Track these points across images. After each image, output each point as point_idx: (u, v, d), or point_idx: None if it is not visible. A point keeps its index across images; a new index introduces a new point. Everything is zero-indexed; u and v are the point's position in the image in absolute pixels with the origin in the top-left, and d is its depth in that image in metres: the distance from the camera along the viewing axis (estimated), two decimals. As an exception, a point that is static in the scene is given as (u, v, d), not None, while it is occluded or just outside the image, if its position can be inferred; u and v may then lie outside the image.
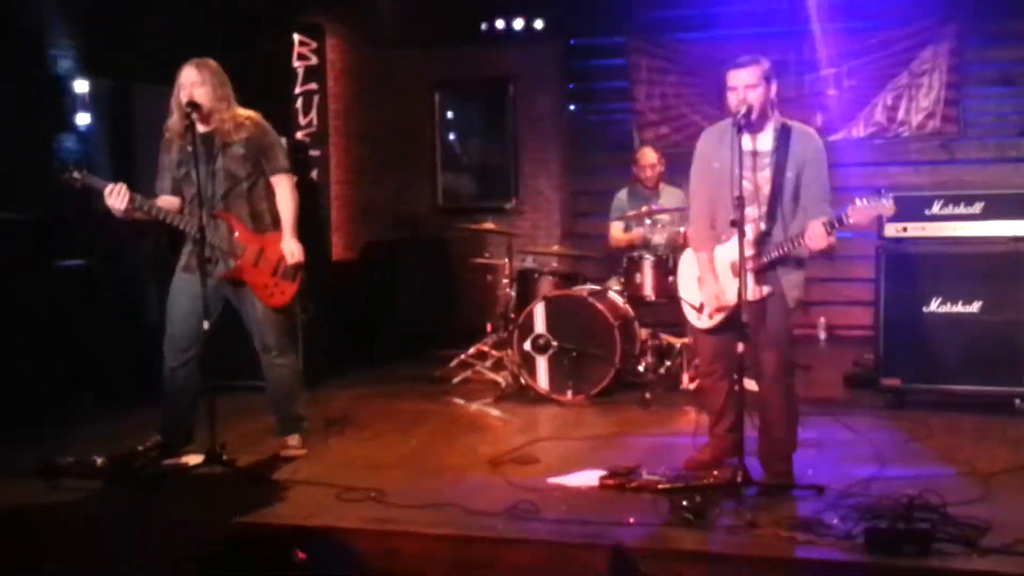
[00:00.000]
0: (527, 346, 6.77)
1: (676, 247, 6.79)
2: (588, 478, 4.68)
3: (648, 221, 7.16)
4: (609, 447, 5.44)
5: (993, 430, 5.57)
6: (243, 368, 5.75)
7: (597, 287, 7.10)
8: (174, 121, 5.03)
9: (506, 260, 7.46)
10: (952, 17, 8.95)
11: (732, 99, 4.53)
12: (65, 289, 6.79)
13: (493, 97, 10.20)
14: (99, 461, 5.01)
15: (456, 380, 7.36)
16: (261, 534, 4.11)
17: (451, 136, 10.42)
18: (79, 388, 6.62)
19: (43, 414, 6.19)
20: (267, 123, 5.20)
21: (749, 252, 4.45)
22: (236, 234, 5.05)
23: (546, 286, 7.19)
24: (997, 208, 6.03)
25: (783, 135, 4.56)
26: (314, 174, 9.83)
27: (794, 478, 4.56)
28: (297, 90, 9.91)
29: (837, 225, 4.31)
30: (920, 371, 6.09)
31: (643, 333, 6.95)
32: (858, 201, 4.29)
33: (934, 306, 6.06)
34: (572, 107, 10.27)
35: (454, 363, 7.60)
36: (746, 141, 4.47)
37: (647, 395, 6.48)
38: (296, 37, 9.90)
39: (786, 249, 4.46)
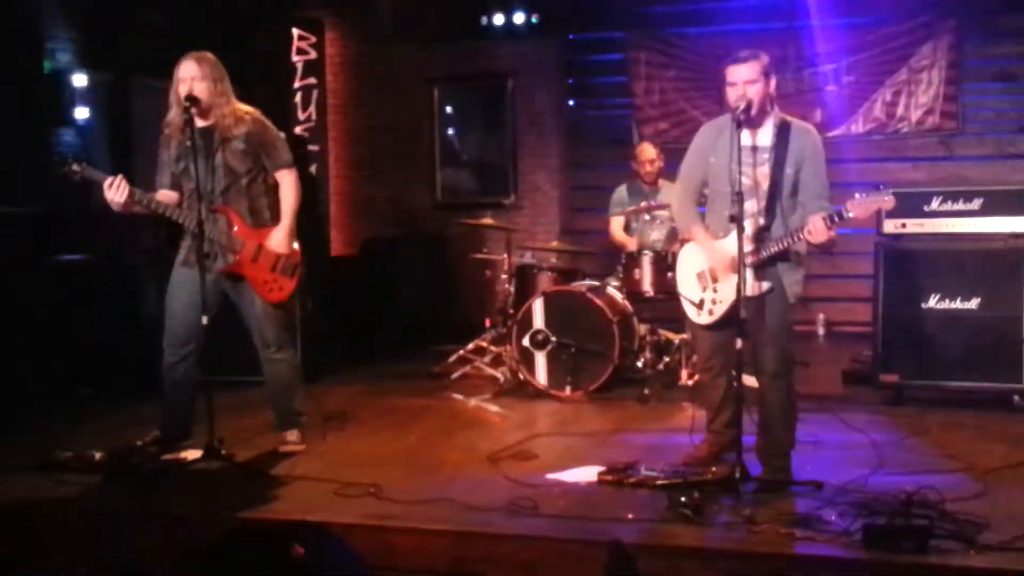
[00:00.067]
0: (526, 342, 6.77)
1: (675, 243, 6.78)
2: (586, 474, 4.69)
3: (647, 217, 7.16)
4: (607, 443, 5.45)
5: (991, 426, 5.58)
6: (242, 363, 5.76)
7: (596, 283, 7.10)
8: (173, 116, 5.02)
9: (505, 256, 7.46)
10: (951, 13, 8.95)
11: (731, 94, 4.52)
12: (64, 284, 6.80)
13: (492, 92, 10.18)
14: (98, 456, 5.02)
15: (455, 376, 7.36)
16: (259, 529, 4.11)
17: (450, 131, 10.40)
18: (78, 383, 6.63)
19: (42, 409, 6.19)
20: (267, 119, 5.19)
21: (748, 247, 4.45)
22: (235, 229, 5.04)
23: (545, 282, 7.18)
24: (996, 204, 6.03)
25: (782, 131, 4.56)
26: (313, 169, 9.84)
27: (792, 474, 4.56)
28: (296, 85, 9.92)
29: (837, 220, 4.31)
30: (918, 367, 6.09)
31: (642, 329, 6.95)
32: (858, 196, 4.29)
33: (933, 302, 6.06)
34: (571, 102, 10.26)
35: (453, 359, 7.60)
36: (745, 136, 4.47)
37: (645, 391, 6.49)
38: (295, 32, 9.91)
39: (786, 244, 4.46)
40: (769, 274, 4.56)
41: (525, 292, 7.15)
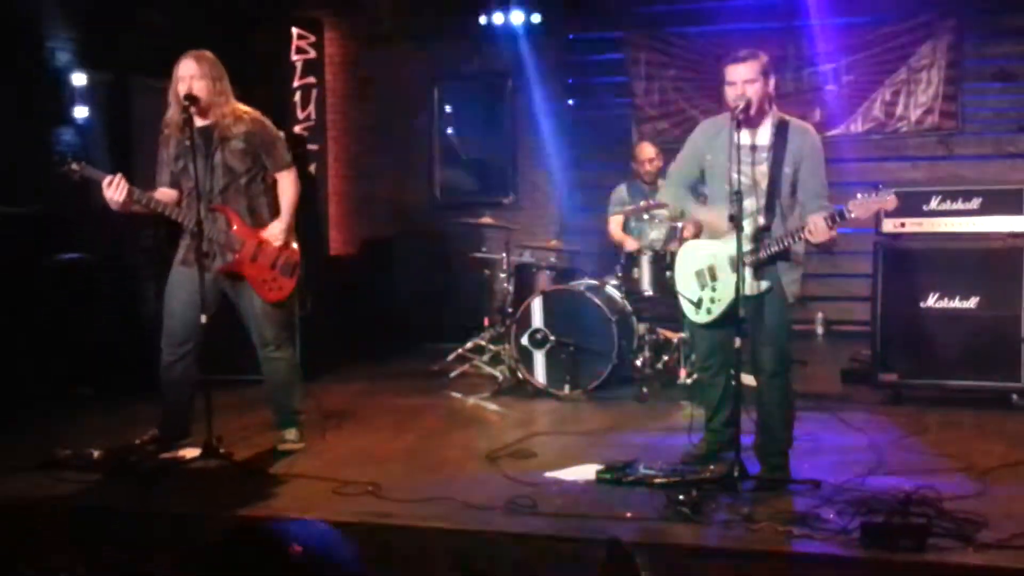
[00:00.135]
0: (524, 340, 6.77)
1: (674, 242, 6.77)
2: (585, 472, 4.69)
3: (646, 216, 7.15)
4: (606, 441, 5.45)
5: (990, 425, 5.58)
6: (241, 362, 5.76)
7: (594, 282, 7.10)
8: (172, 114, 5.02)
9: (504, 255, 7.46)
10: (951, 13, 8.95)
11: (730, 94, 4.52)
12: (63, 283, 6.80)
13: (491, 92, 10.18)
14: (96, 454, 5.02)
15: (453, 374, 7.37)
16: (257, 528, 4.11)
17: (449, 131, 10.40)
18: (77, 382, 6.63)
19: (42, 408, 6.19)
20: (266, 118, 5.20)
21: (748, 247, 4.45)
22: (234, 228, 5.04)
23: (544, 281, 7.19)
24: (994, 204, 6.03)
25: (780, 130, 4.56)
26: (312, 168, 9.85)
27: (790, 473, 4.57)
28: (295, 84, 9.92)
29: (839, 219, 4.31)
30: (917, 366, 6.10)
31: (640, 328, 6.95)
32: (860, 195, 4.29)
33: (931, 301, 6.07)
34: (570, 102, 10.26)
35: (451, 357, 7.61)
36: (744, 136, 4.48)
37: (644, 390, 6.49)
38: (295, 31, 9.91)
39: (786, 244, 4.46)
40: (768, 273, 4.56)
41: (524, 291, 7.15)
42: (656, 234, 7.13)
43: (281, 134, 5.32)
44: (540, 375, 6.75)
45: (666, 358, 7.02)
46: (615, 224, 7.46)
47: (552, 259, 7.61)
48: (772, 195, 4.54)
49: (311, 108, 10.09)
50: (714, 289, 4.68)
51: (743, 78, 4.48)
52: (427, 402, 6.65)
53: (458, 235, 9.47)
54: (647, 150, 7.47)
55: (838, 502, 4.10)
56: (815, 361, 7.61)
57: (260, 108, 5.22)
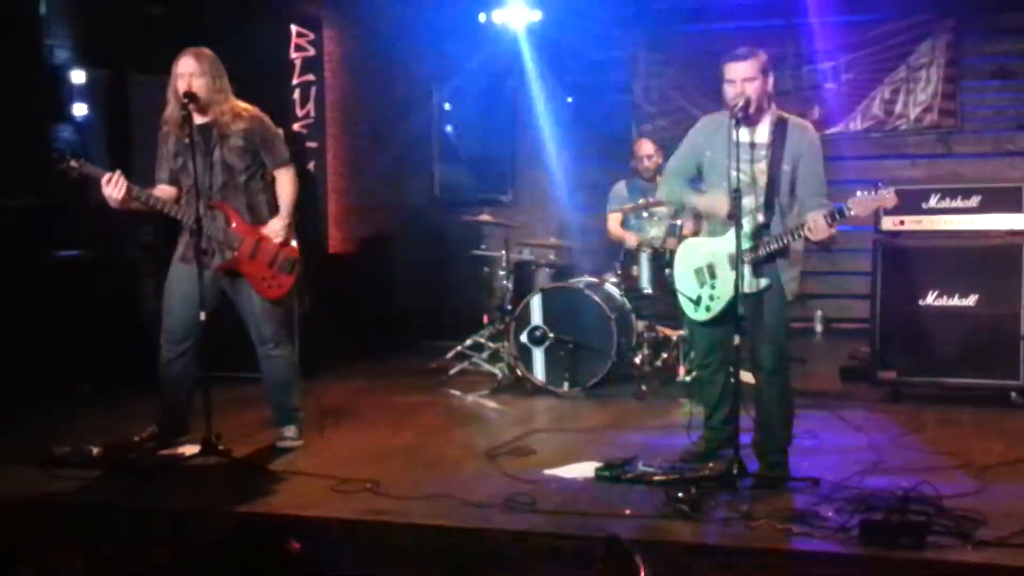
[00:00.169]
0: (524, 338, 6.77)
1: (673, 240, 6.77)
2: (584, 470, 4.69)
3: (645, 214, 7.16)
4: (605, 439, 5.45)
5: (989, 423, 5.59)
6: (240, 359, 5.75)
7: (594, 279, 7.10)
8: (171, 111, 5.01)
9: (503, 252, 7.46)
10: (950, 11, 8.96)
11: (729, 91, 4.52)
12: (62, 280, 6.79)
13: (491, 89, 10.17)
14: (95, 451, 5.02)
15: (452, 372, 7.37)
16: (256, 525, 4.12)
17: (449, 128, 10.39)
18: (76, 378, 6.62)
19: (40, 404, 6.19)
20: (265, 115, 5.19)
21: (747, 244, 4.45)
22: (233, 225, 5.04)
23: (543, 278, 7.19)
24: (993, 202, 6.03)
25: (779, 128, 4.56)
26: (311, 166, 9.82)
27: (789, 470, 4.57)
28: (294, 81, 9.89)
29: (839, 217, 4.31)
30: (916, 364, 6.10)
31: (639, 325, 6.95)
32: (859, 193, 4.29)
33: (930, 299, 6.07)
34: (570, 99, 10.25)
35: (450, 355, 7.60)
36: (743, 133, 4.47)
37: (643, 387, 6.49)
38: (294, 28, 9.89)
39: (785, 241, 4.46)
40: (767, 271, 4.56)
41: (523, 288, 7.16)
42: (656, 231, 7.13)
43: (280, 131, 5.32)
44: (539, 372, 6.75)
45: (665, 356, 7.02)
46: (614, 221, 7.46)
47: (551, 257, 7.61)
48: (771, 193, 4.54)
49: (310, 106, 10.06)
50: (713, 287, 4.68)
51: (742, 76, 4.48)
52: (426, 400, 6.65)
53: (457, 233, 9.47)
54: (646, 146, 7.47)
55: (837, 500, 4.11)
56: (814, 359, 7.61)
57: (259, 106, 5.21)
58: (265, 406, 5.48)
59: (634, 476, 4.53)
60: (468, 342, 7.63)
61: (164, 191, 5.08)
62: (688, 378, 6.58)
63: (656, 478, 4.45)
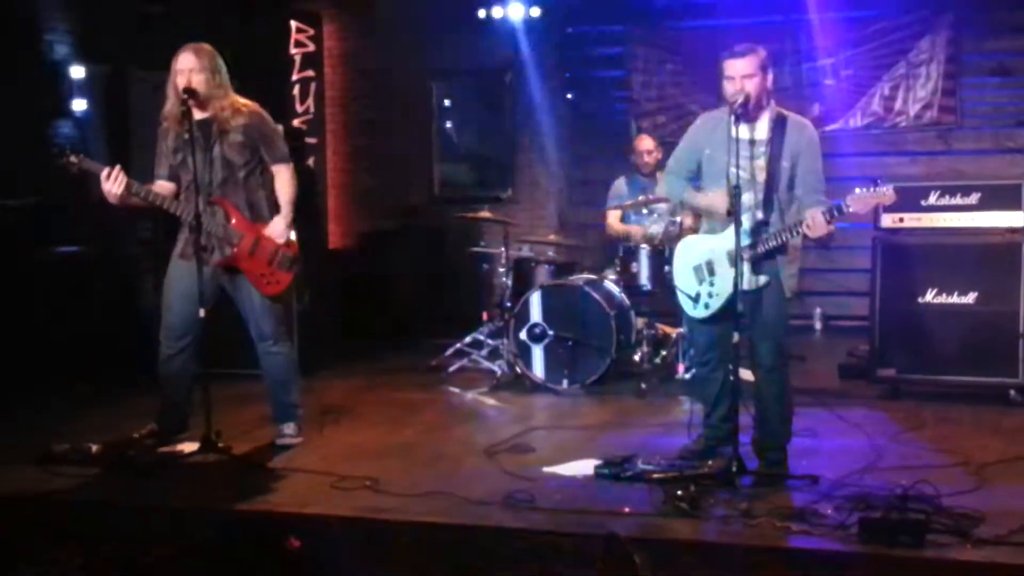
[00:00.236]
0: (523, 335, 6.77)
1: (672, 236, 6.77)
2: (583, 467, 4.69)
3: (645, 211, 7.16)
4: (604, 436, 5.45)
5: (987, 421, 5.58)
6: (240, 356, 5.75)
7: (593, 276, 7.09)
8: (171, 107, 5.00)
9: (502, 249, 7.45)
10: (949, 8, 8.94)
11: (728, 88, 4.52)
12: (61, 276, 6.79)
13: (490, 86, 10.17)
14: (94, 448, 5.02)
15: (452, 369, 7.36)
16: (256, 522, 4.12)
17: (448, 125, 10.39)
18: (75, 375, 6.62)
19: (39, 401, 6.19)
20: (264, 111, 5.19)
21: (746, 241, 4.45)
22: (232, 222, 5.03)
23: (542, 275, 7.18)
24: (993, 199, 6.02)
25: (778, 124, 4.56)
26: (311, 162, 9.83)
27: (788, 468, 4.57)
28: (294, 77, 9.89)
29: (837, 214, 4.31)
30: (915, 362, 6.09)
31: (639, 322, 6.95)
32: (858, 190, 4.28)
33: (929, 297, 6.07)
34: (569, 96, 10.24)
35: (450, 352, 7.60)
36: (742, 130, 4.47)
37: (642, 385, 6.49)
38: (293, 24, 9.88)
39: (784, 238, 4.46)
40: (766, 268, 4.56)
41: (522, 285, 7.15)
42: (655, 228, 7.13)
43: (280, 127, 5.31)
44: (538, 370, 6.74)
45: (664, 353, 7.02)
46: (614, 217, 7.46)
47: (551, 253, 7.60)
48: (770, 189, 4.54)
49: (310, 102, 10.07)
50: (712, 284, 4.68)
51: (741, 72, 4.48)
52: (425, 397, 6.65)
53: (457, 229, 9.47)
54: (646, 142, 7.48)
55: (836, 497, 4.11)
56: (813, 356, 7.61)
57: (258, 102, 5.21)
58: (264, 403, 5.48)
59: (633, 474, 4.52)
60: (467, 339, 7.63)
61: (164, 187, 5.07)
62: (687, 376, 6.58)
63: (655, 476, 4.45)
